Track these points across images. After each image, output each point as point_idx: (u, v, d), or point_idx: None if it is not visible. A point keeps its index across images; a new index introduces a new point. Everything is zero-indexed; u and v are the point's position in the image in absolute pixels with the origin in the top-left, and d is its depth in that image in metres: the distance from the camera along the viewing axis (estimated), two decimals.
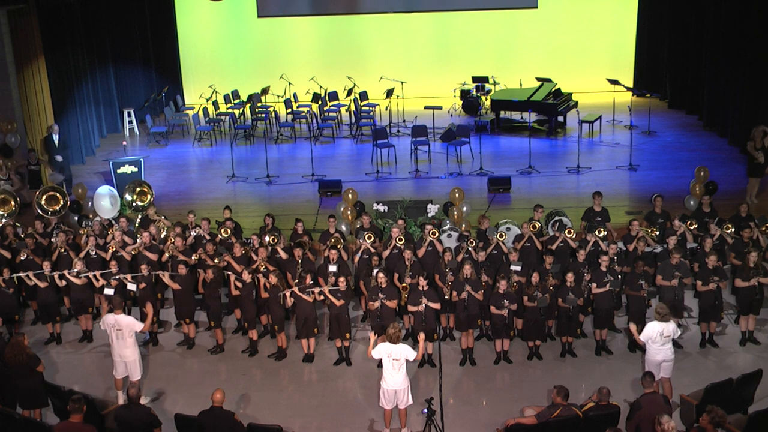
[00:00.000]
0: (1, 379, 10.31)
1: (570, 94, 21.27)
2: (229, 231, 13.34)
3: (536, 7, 23.76)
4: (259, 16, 24.03)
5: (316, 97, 22.47)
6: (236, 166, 18.49)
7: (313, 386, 11.36)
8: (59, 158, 17.19)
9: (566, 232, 13.06)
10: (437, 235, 12.81)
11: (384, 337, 10.04)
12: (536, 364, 11.68)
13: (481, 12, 23.76)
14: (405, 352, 9.80)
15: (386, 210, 15.25)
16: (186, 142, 21.33)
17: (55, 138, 17.20)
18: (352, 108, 21.90)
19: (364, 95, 22.69)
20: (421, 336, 10.21)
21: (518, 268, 11.97)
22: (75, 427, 8.73)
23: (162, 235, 13.82)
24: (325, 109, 22.29)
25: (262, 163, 18.39)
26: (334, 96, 22.85)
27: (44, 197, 15.10)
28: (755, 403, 10.04)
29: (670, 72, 22.59)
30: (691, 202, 15.20)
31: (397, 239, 12.67)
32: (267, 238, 12.89)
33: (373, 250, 12.68)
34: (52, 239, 13.43)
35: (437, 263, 12.30)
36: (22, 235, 13.52)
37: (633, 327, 10.62)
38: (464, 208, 15.01)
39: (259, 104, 22.19)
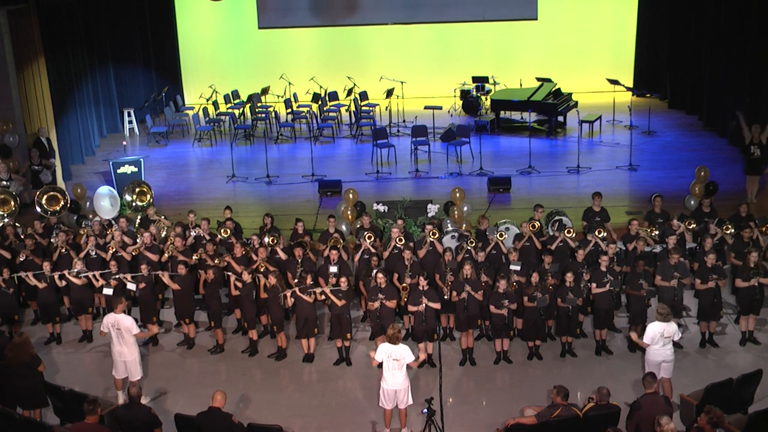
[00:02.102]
0: (1, 379, 10.32)
1: (570, 94, 21.27)
2: (228, 231, 13.34)
3: (536, 19, 23.80)
4: (259, 28, 24.08)
5: (316, 97, 22.47)
6: (236, 166, 18.49)
7: (313, 386, 11.36)
8: (53, 161, 17.15)
9: (566, 231, 13.07)
10: (437, 235, 12.81)
11: (384, 337, 10.04)
12: (536, 364, 11.68)
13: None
14: (405, 353, 9.81)
15: (386, 210, 15.25)
16: (186, 142, 21.33)
17: (44, 141, 17.11)
18: (352, 108, 21.90)
19: (364, 95, 22.69)
20: (421, 347, 10.20)
21: (518, 268, 11.97)
22: (91, 428, 8.78)
23: (162, 235, 13.82)
24: (325, 109, 22.29)
25: (262, 163, 18.39)
26: (334, 96, 22.85)
27: (45, 197, 15.09)
28: (755, 403, 10.04)
29: (670, 72, 22.60)
30: (692, 202, 15.20)
31: (397, 239, 12.67)
32: (267, 239, 12.89)
33: (373, 251, 12.68)
34: (51, 239, 13.44)
35: (437, 263, 12.29)
36: (22, 236, 13.53)
37: (634, 335, 10.66)
38: (465, 208, 15.01)
39: (259, 104, 22.19)
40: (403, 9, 23.82)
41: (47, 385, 10.31)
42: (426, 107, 20.66)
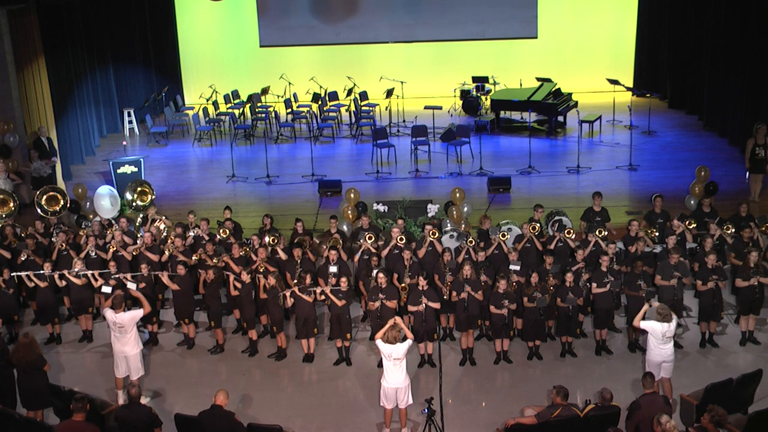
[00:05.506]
0: (2, 380, 10.31)
1: (570, 94, 21.27)
2: (228, 231, 13.34)
3: (536, 37, 23.81)
4: (261, 46, 24.10)
5: (316, 97, 22.47)
6: (236, 166, 18.49)
7: (313, 386, 11.36)
8: (54, 159, 17.16)
9: (565, 232, 13.06)
10: (437, 235, 12.81)
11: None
12: (536, 364, 11.68)
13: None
14: (404, 348, 9.82)
15: (386, 210, 15.26)
16: (186, 142, 21.33)
17: (44, 140, 17.12)
18: (352, 108, 21.91)
19: (364, 95, 22.69)
20: (398, 319, 10.05)
21: (517, 268, 11.95)
22: (78, 426, 8.74)
23: (162, 235, 13.82)
24: (325, 109, 22.29)
25: (262, 163, 18.40)
26: (334, 96, 22.85)
27: (44, 197, 15.08)
28: (755, 403, 10.04)
29: (670, 72, 22.59)
30: (692, 202, 15.20)
31: (398, 239, 12.67)
32: (267, 239, 12.89)
33: (374, 250, 12.68)
34: (52, 239, 13.43)
35: (437, 263, 12.29)
36: (23, 235, 13.53)
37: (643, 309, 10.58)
38: (464, 209, 15.01)
39: (259, 104, 22.19)
40: (403, 28, 23.90)
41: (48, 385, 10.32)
42: (426, 107, 20.66)
